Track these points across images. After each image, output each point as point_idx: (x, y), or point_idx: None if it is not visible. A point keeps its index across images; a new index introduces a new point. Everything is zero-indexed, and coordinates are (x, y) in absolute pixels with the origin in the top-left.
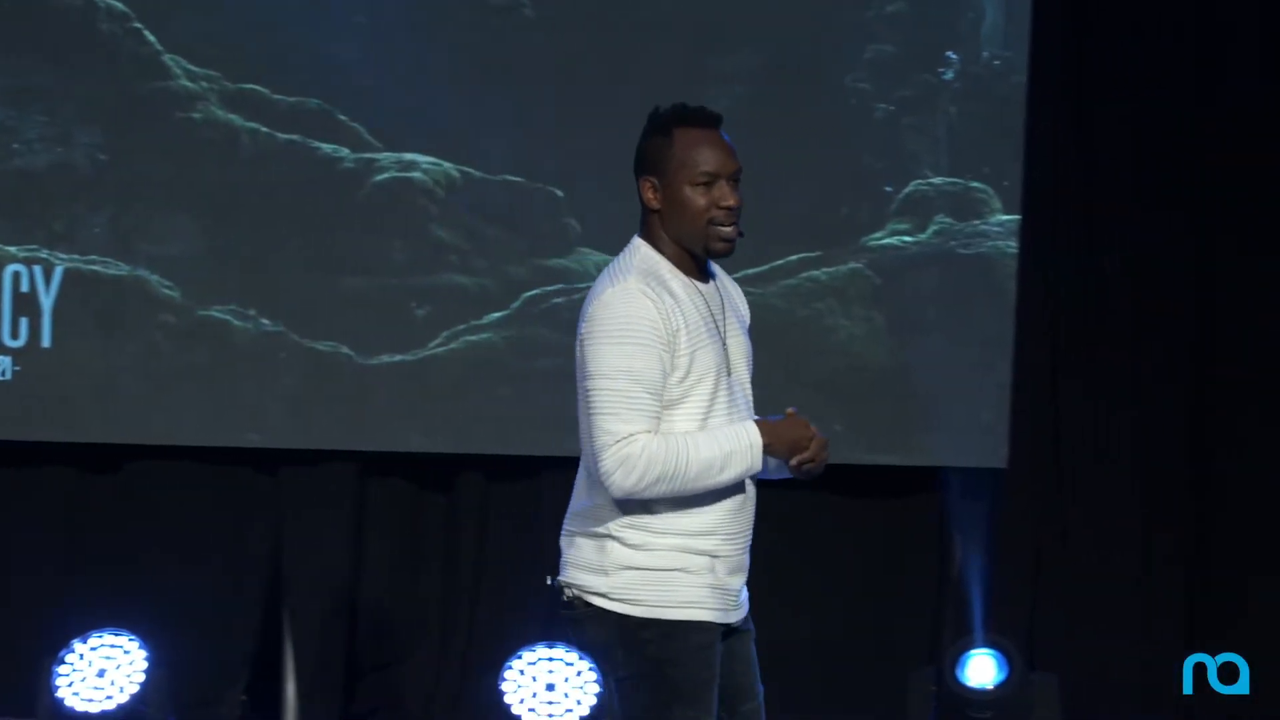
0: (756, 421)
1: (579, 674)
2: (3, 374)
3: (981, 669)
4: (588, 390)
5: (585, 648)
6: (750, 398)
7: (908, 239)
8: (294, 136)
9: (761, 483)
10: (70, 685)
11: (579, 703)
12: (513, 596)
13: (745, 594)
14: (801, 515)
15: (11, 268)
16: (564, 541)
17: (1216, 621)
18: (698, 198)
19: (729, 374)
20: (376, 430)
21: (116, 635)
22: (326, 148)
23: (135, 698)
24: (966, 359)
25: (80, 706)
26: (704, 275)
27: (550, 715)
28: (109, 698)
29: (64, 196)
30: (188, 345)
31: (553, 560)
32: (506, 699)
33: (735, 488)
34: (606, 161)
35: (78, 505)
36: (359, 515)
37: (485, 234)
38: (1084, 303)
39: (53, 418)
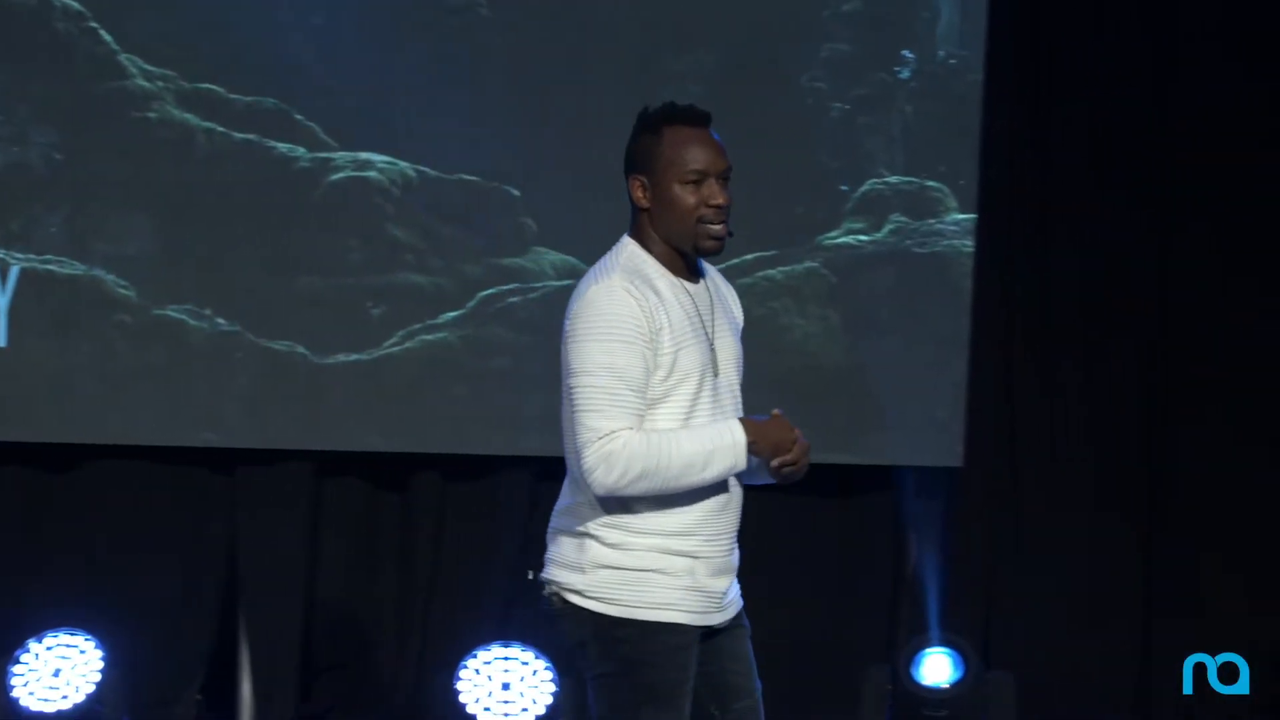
0: (741, 420)
1: (534, 673)
2: None
3: (937, 668)
4: (571, 387)
5: (561, 644)
6: (739, 400)
7: (863, 238)
8: (250, 136)
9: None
10: (26, 685)
11: (534, 701)
12: (468, 596)
13: (736, 592)
14: (756, 514)
15: None
16: (549, 537)
17: (1173, 620)
18: (687, 196)
19: (716, 375)
20: (332, 430)
21: (72, 635)
22: (282, 147)
23: (91, 697)
24: (922, 358)
25: (36, 706)
26: (693, 275)
27: (506, 715)
28: (65, 697)
29: (20, 196)
30: (144, 345)
31: (510, 559)
32: (462, 698)
33: (718, 488)
34: (563, 161)
35: (34, 505)
36: (315, 515)
37: (441, 233)
38: (1040, 301)
39: (8, 417)
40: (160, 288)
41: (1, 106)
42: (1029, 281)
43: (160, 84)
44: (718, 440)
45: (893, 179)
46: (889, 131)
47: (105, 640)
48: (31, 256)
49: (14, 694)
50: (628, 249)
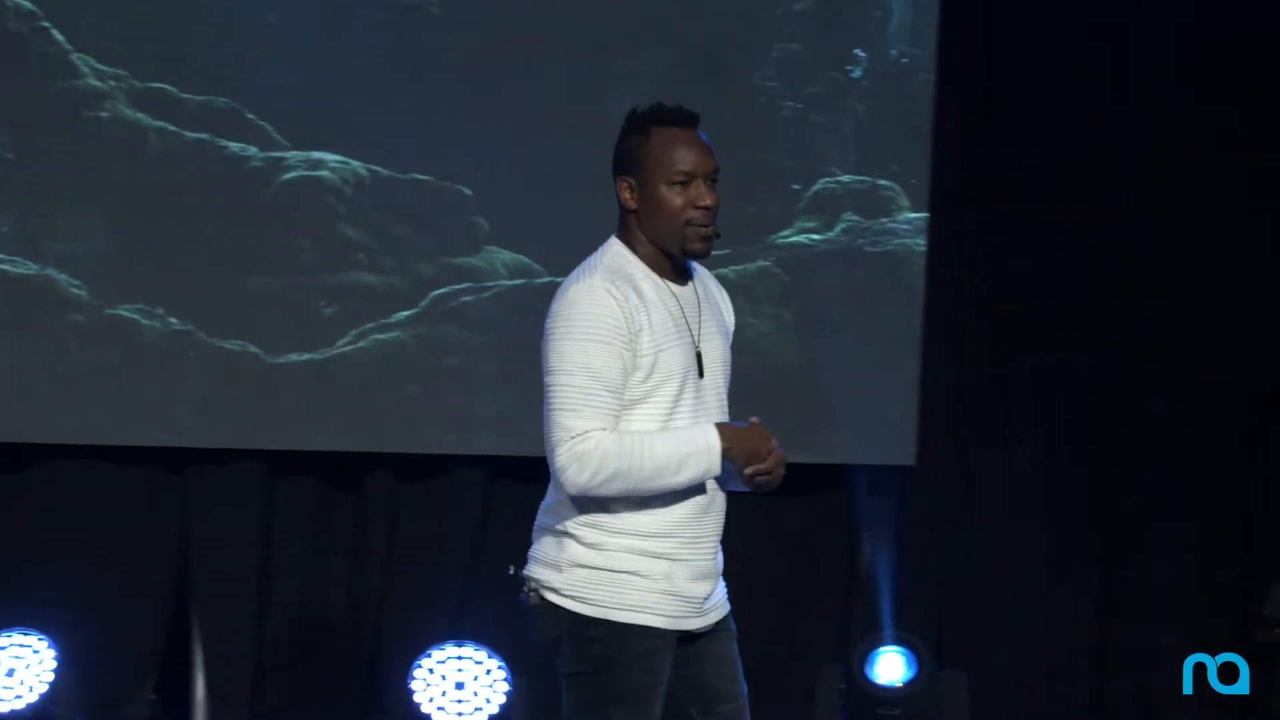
0: (718, 425)
1: (488, 672)
2: None
3: (890, 666)
4: (547, 385)
5: (537, 641)
6: (724, 403)
7: (816, 237)
8: (202, 135)
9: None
10: None
11: (488, 701)
12: (422, 595)
13: (721, 596)
14: None
15: None
16: (533, 534)
17: (1126, 620)
18: (674, 197)
19: (700, 377)
20: (285, 429)
21: (25, 635)
22: (234, 147)
23: (44, 697)
24: (874, 356)
25: None
26: (681, 277)
27: (460, 714)
28: (18, 697)
29: None
30: (96, 344)
31: (463, 558)
32: (416, 698)
33: (697, 490)
34: (515, 160)
35: None
36: (268, 514)
37: (393, 233)
38: (992, 300)
39: None
40: (112, 287)
41: None
42: (981, 280)
43: (112, 83)
44: (692, 444)
45: (845, 178)
46: (841, 130)
47: (58, 640)
48: None
49: None
50: (613, 249)
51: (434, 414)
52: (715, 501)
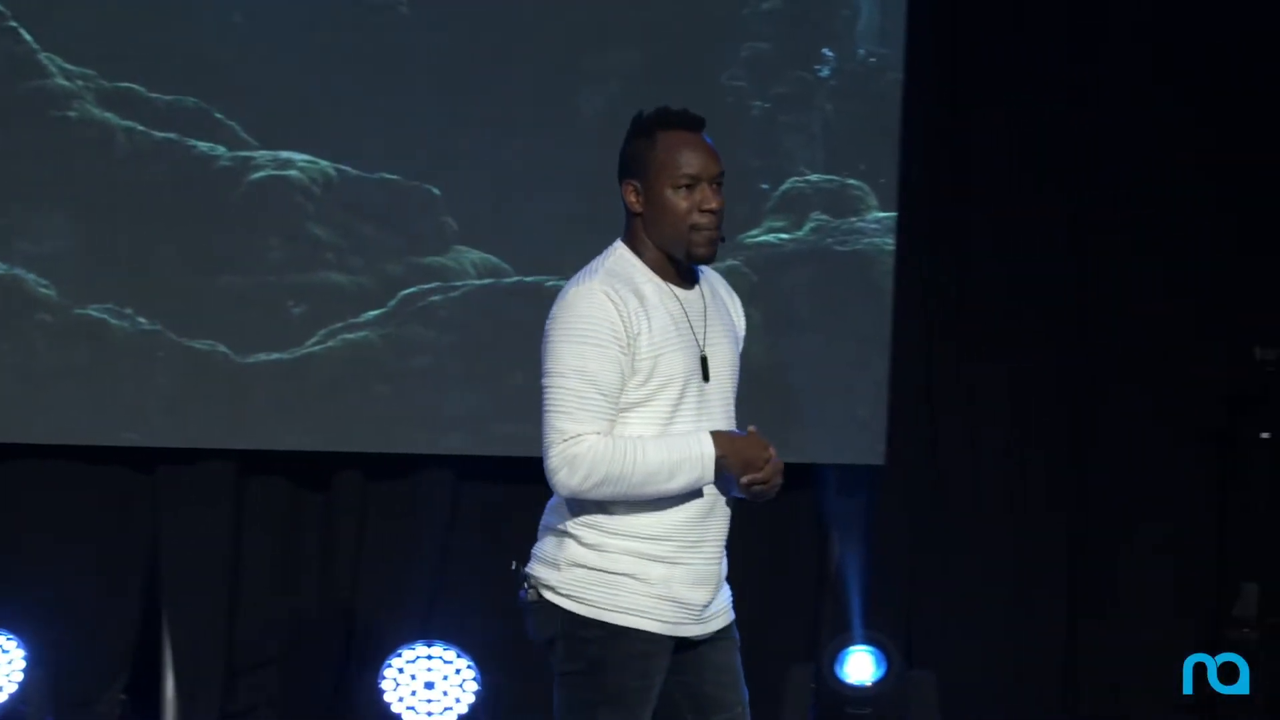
0: (714, 433)
1: (458, 672)
2: None
3: (860, 666)
4: (542, 388)
5: (532, 638)
6: (731, 408)
7: (784, 236)
8: (170, 135)
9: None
10: None
11: (458, 700)
12: (391, 595)
13: (725, 604)
14: None
15: None
16: (538, 532)
17: (1095, 619)
18: (679, 200)
19: (706, 381)
20: (254, 429)
21: None
22: (203, 146)
23: (14, 697)
24: (843, 356)
25: None
26: (686, 281)
27: (429, 714)
28: None
29: None
30: (65, 344)
31: (432, 558)
32: (386, 697)
33: (699, 494)
34: (483, 160)
35: None
36: (237, 514)
37: (362, 232)
38: (960, 300)
39: None
40: (81, 287)
41: None
42: (950, 280)
43: (80, 83)
44: (685, 452)
45: (813, 177)
46: (809, 130)
47: (28, 640)
48: None
49: None
50: (616, 252)
51: (402, 414)
52: (718, 507)
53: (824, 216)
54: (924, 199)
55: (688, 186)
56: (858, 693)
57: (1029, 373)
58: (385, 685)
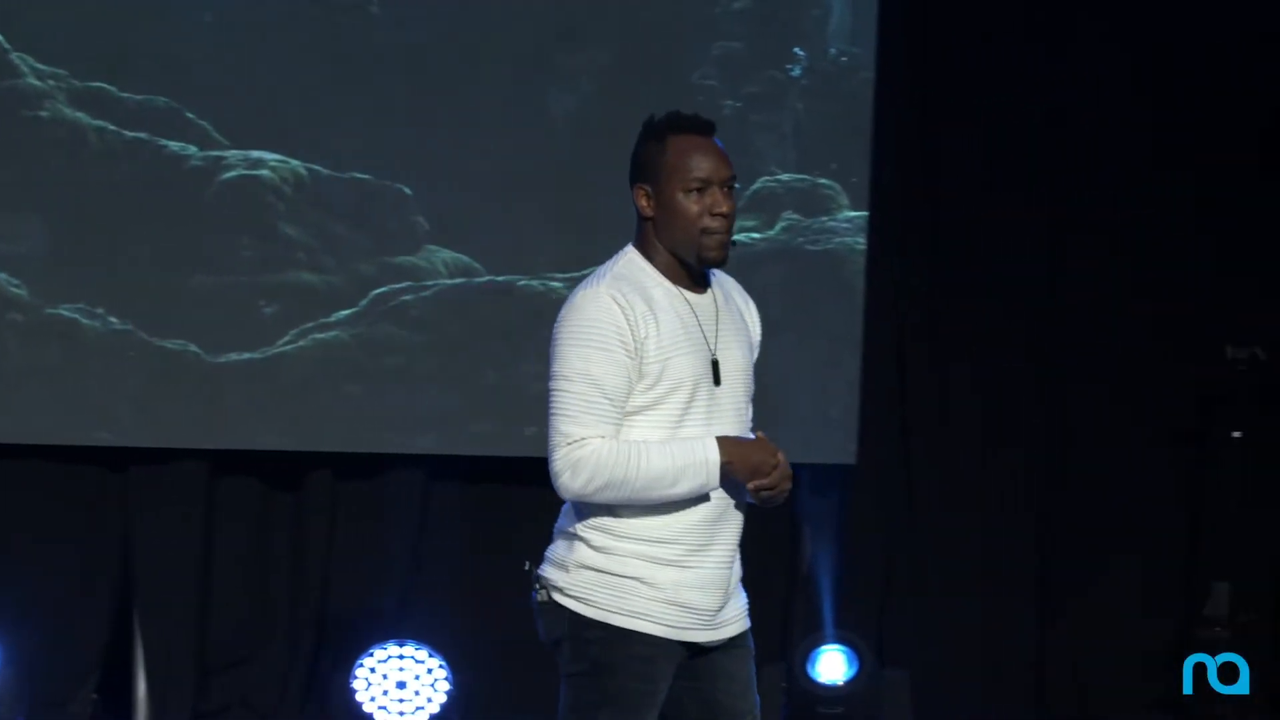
0: (720, 439)
1: (429, 671)
2: None
3: (832, 665)
4: (548, 390)
5: (541, 640)
6: (742, 412)
7: (755, 235)
8: (141, 135)
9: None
10: None
11: (429, 700)
12: (363, 594)
13: (739, 611)
14: None
15: None
16: (552, 535)
17: (1066, 619)
18: (690, 204)
19: (717, 384)
20: (225, 428)
21: None
22: (174, 146)
23: None
24: (815, 355)
25: None
26: (698, 285)
27: (401, 713)
28: None
29: None
30: (36, 344)
31: (403, 557)
32: (357, 696)
33: (707, 499)
34: (455, 159)
35: None
36: (209, 514)
37: (333, 232)
38: (932, 299)
39: None
40: (52, 287)
41: None
42: (921, 279)
43: (51, 83)
44: (689, 457)
45: (784, 176)
46: (781, 129)
47: (0, 639)
48: None
49: None
50: (626, 256)
51: (374, 413)
52: (729, 511)
53: (795, 216)
54: (895, 199)
55: (699, 190)
56: (829, 692)
57: (1000, 372)
58: (357, 685)
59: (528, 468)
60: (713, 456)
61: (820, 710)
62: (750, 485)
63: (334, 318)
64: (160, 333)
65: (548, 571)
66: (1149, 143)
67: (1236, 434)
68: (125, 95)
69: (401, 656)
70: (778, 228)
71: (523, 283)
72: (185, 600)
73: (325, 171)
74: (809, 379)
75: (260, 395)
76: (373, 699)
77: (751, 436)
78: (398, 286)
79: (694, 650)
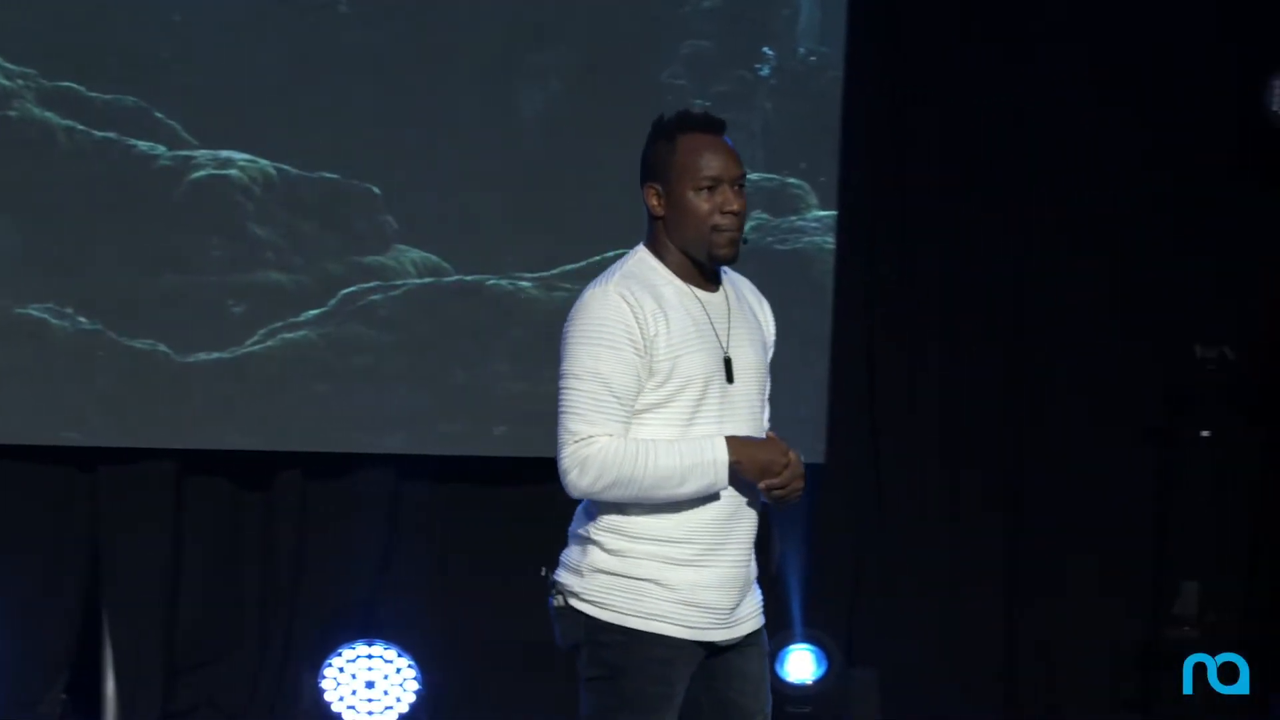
0: (729, 439)
1: (398, 671)
2: None
3: (800, 664)
4: (558, 389)
5: (559, 645)
6: (756, 410)
7: None
8: (110, 134)
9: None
10: None
11: (398, 700)
12: (332, 594)
13: (754, 609)
14: None
15: None
16: (567, 539)
17: (1034, 618)
18: (701, 203)
19: (730, 382)
20: (194, 428)
21: None
22: (143, 145)
23: None
24: (784, 355)
25: None
26: (709, 283)
27: (370, 713)
28: None
29: None
30: (5, 344)
31: (372, 556)
32: (326, 696)
33: (719, 498)
34: (423, 158)
35: None
36: (178, 513)
37: (302, 231)
38: (901, 298)
39: None
40: (21, 287)
41: None
42: (890, 278)
43: (20, 82)
44: (697, 457)
45: (753, 176)
46: (750, 128)
47: None
48: None
49: None
50: (636, 255)
51: (343, 413)
52: (742, 509)
53: (764, 215)
54: (864, 197)
55: (709, 188)
56: (798, 691)
57: (969, 372)
58: (326, 684)
59: (497, 467)
60: (721, 456)
61: (789, 709)
62: (761, 485)
63: (303, 317)
64: (129, 332)
65: (563, 576)
66: (1118, 142)
67: (1205, 433)
68: (94, 95)
69: (370, 656)
70: (747, 227)
71: (491, 282)
72: (154, 600)
73: (294, 171)
74: (778, 378)
75: (229, 395)
76: (341, 699)
77: (763, 436)
78: (366, 286)
79: (711, 650)
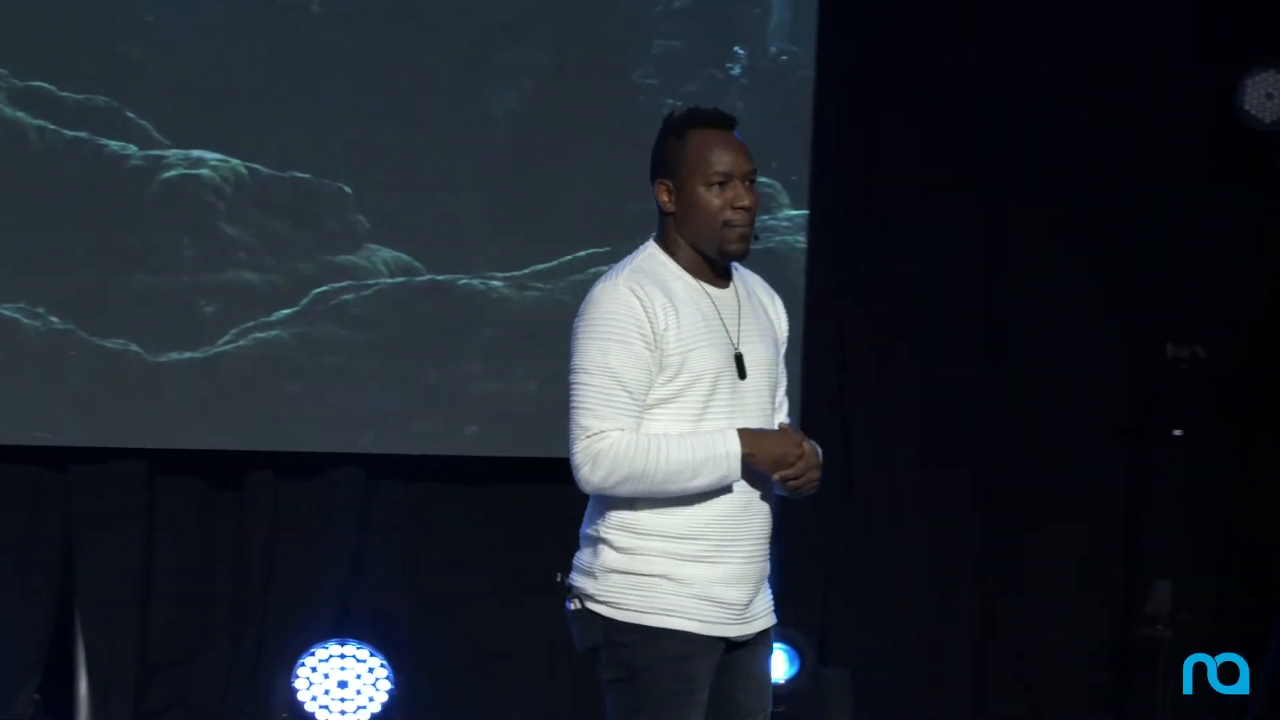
0: (740, 431)
1: (370, 670)
2: None
3: (773, 663)
4: (569, 384)
5: (579, 650)
6: (767, 406)
7: None
8: (82, 134)
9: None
10: None
11: (371, 699)
12: (304, 593)
13: (765, 607)
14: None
15: None
16: (579, 541)
17: (1007, 617)
18: (712, 198)
19: (742, 378)
20: (166, 428)
21: None
22: (114, 145)
23: None
24: None
25: None
26: (720, 279)
27: (342, 712)
28: None
29: None
30: None
31: (345, 556)
32: (299, 696)
33: (734, 491)
34: (395, 158)
35: None
36: (150, 513)
37: (274, 231)
38: (874, 297)
39: None
40: None
41: None
42: (864, 278)
43: None
44: (709, 450)
45: None
46: None
47: None
48: None
49: None
50: (646, 250)
51: (315, 412)
52: (753, 504)
53: None
54: (836, 196)
55: (720, 184)
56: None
57: (942, 372)
58: (298, 684)
59: (469, 467)
60: (733, 449)
61: None
62: (775, 476)
63: (275, 317)
64: (101, 332)
65: (577, 580)
66: (1092, 142)
67: (1178, 432)
68: (65, 94)
69: (343, 656)
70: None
71: (463, 282)
72: (126, 600)
73: (265, 171)
74: None
75: (201, 394)
76: (314, 698)
77: (774, 428)
78: (338, 285)
79: (726, 646)
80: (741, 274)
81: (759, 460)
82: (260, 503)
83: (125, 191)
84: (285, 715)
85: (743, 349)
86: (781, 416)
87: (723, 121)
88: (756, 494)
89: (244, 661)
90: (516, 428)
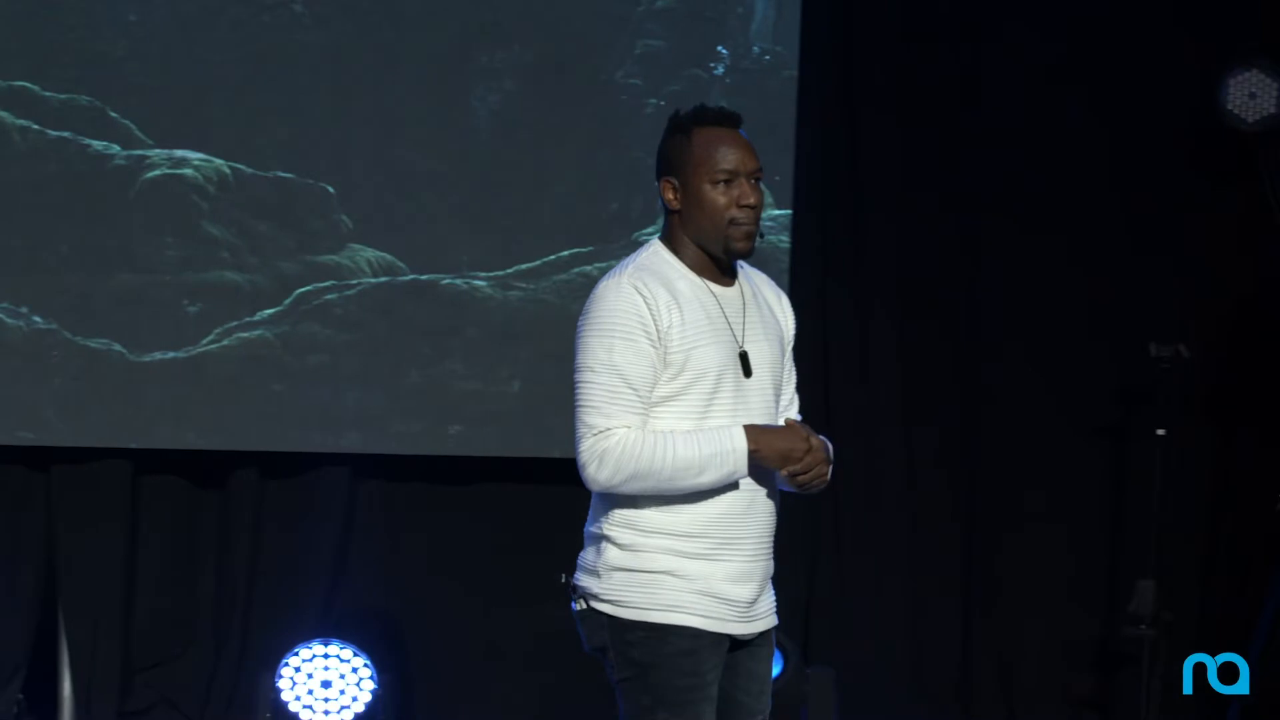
0: (747, 427)
1: (354, 670)
2: None
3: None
4: (574, 382)
5: (586, 650)
6: (772, 404)
7: None
8: (65, 134)
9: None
10: None
11: (354, 699)
12: (288, 593)
13: (769, 607)
14: (576, 508)
15: None
16: (583, 540)
17: (989, 617)
18: (717, 196)
19: (747, 376)
20: (150, 428)
21: None
22: (98, 145)
23: None
24: None
25: None
26: (725, 277)
27: (326, 712)
28: None
29: None
30: None
31: (328, 555)
32: (283, 696)
33: (737, 489)
34: (378, 157)
35: None
36: (133, 513)
37: (257, 231)
38: (856, 297)
39: None
40: None
41: None
42: (845, 277)
43: None
44: (715, 446)
45: None
46: None
47: None
48: None
49: None
50: (651, 248)
51: (298, 412)
52: (757, 502)
53: None
54: (819, 196)
55: (725, 182)
56: None
57: (924, 371)
58: (282, 684)
59: (452, 467)
60: (740, 444)
61: None
62: (783, 472)
63: (258, 316)
64: (84, 332)
65: (582, 579)
66: (1074, 140)
67: (1160, 431)
68: (49, 94)
69: (327, 656)
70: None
71: (446, 281)
72: (110, 600)
73: (248, 170)
74: None
75: (184, 394)
76: (298, 698)
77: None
78: (321, 285)
79: (731, 644)
80: (747, 272)
81: (766, 456)
82: (244, 502)
83: (108, 191)
84: (269, 715)
85: (748, 347)
86: (792, 413)
87: (729, 119)
88: (761, 491)
89: (228, 661)
90: (500, 427)
